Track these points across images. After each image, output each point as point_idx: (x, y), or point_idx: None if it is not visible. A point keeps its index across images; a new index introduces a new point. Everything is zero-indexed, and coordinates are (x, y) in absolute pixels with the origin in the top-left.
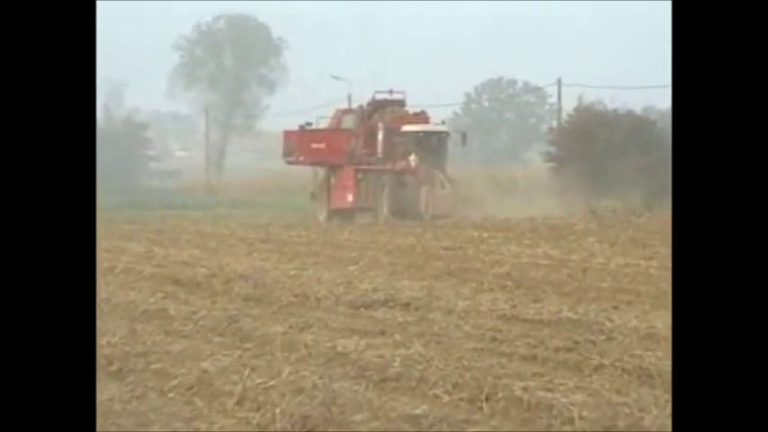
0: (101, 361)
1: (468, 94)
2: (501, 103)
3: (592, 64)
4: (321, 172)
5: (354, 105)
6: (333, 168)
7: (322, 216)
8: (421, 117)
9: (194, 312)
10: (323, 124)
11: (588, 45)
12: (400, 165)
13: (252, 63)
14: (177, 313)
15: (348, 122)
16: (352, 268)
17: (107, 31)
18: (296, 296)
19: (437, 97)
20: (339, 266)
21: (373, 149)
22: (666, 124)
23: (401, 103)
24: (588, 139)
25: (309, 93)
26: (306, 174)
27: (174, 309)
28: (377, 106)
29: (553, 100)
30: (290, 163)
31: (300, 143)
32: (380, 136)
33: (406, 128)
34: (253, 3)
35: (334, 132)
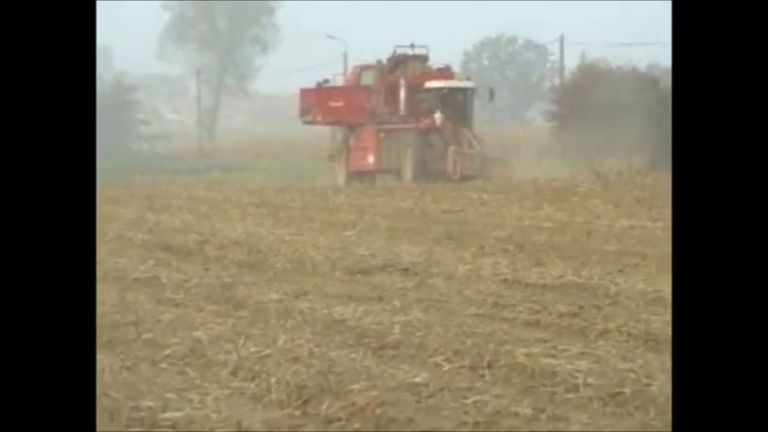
0: None
1: (467, 53)
2: (501, 61)
3: (595, 20)
4: (339, 132)
5: (351, 64)
6: (352, 128)
7: (341, 179)
8: (445, 72)
9: (187, 280)
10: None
11: (589, 2)
12: (424, 123)
13: (244, 22)
14: (169, 281)
15: (368, 79)
16: (348, 233)
17: None
18: (291, 262)
19: (434, 56)
20: (335, 231)
21: (395, 107)
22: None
23: (424, 58)
24: (591, 98)
25: (303, 52)
26: (302, 136)
27: (165, 276)
28: (398, 61)
29: (555, 58)
30: (307, 123)
31: (318, 101)
32: (403, 93)
33: (430, 84)
34: None
35: (353, 90)
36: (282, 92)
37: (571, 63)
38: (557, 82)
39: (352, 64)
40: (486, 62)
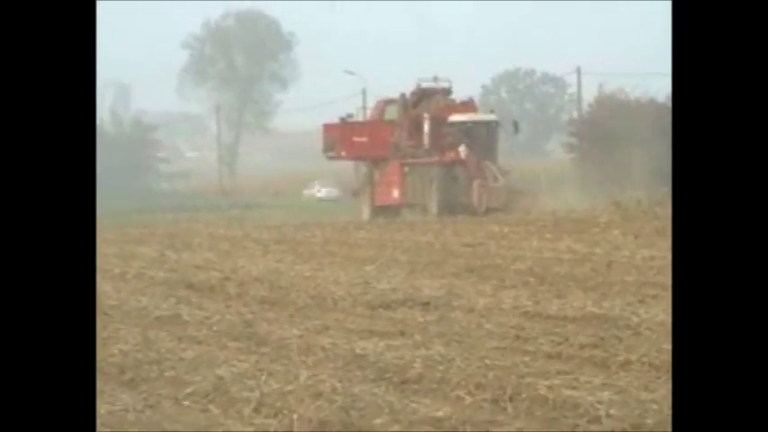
0: (113, 370)
1: (485, 86)
2: (519, 93)
3: (611, 52)
4: (363, 167)
5: (370, 99)
6: (376, 162)
7: (366, 214)
8: (469, 106)
9: (208, 317)
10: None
11: (608, 33)
12: (449, 157)
13: (262, 59)
14: (191, 318)
15: (391, 113)
16: (369, 268)
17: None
18: (312, 298)
19: (454, 90)
20: (356, 266)
21: (419, 141)
22: None
23: (447, 92)
24: (610, 129)
25: (322, 88)
26: (320, 172)
27: (187, 314)
28: (421, 95)
29: (573, 90)
30: (332, 158)
31: (342, 137)
32: (426, 127)
33: (454, 117)
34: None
35: (376, 124)
36: (302, 128)
37: (589, 95)
38: (575, 114)
39: (371, 99)
40: (504, 95)
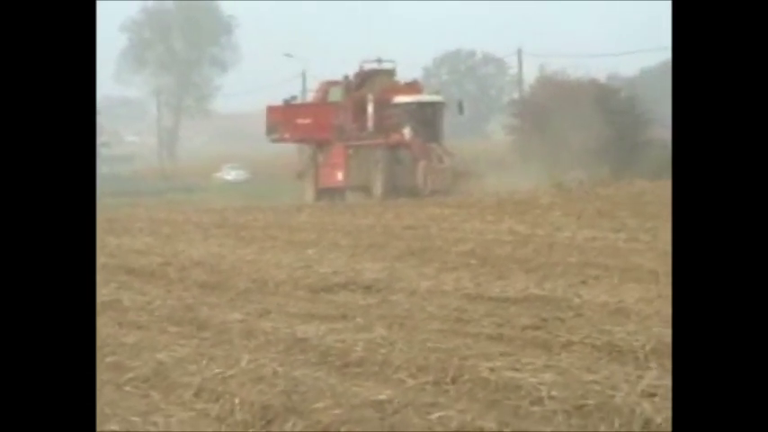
0: None
1: (426, 68)
2: (460, 75)
3: (552, 32)
4: (307, 149)
5: (309, 82)
6: (320, 145)
7: (309, 196)
8: (414, 87)
9: (149, 302)
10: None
11: (548, 14)
12: (394, 139)
13: (202, 43)
14: (132, 303)
15: (335, 95)
16: (310, 251)
17: None
18: (254, 282)
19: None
20: (297, 250)
21: (363, 123)
22: (631, 92)
23: (391, 73)
24: (551, 110)
25: (262, 72)
26: (261, 156)
27: (128, 299)
28: (365, 77)
29: (514, 71)
30: (275, 140)
31: (285, 119)
32: (371, 109)
33: (399, 99)
34: None
35: (320, 106)
36: (242, 111)
37: (530, 76)
38: (516, 95)
39: (311, 81)
40: (445, 77)
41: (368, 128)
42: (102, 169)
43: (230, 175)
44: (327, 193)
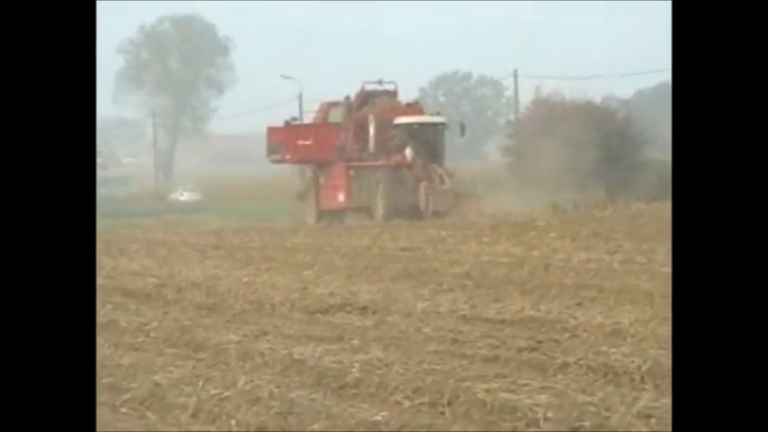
0: None
1: (423, 89)
2: (457, 97)
3: (548, 54)
4: (308, 170)
5: (309, 105)
6: (321, 166)
7: (311, 218)
8: (415, 108)
9: (145, 324)
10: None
11: (544, 36)
12: (395, 159)
13: (199, 64)
14: (128, 325)
15: (336, 116)
16: (307, 273)
17: None
18: (250, 303)
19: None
20: (294, 271)
21: (365, 144)
22: (627, 114)
23: (392, 94)
24: (547, 132)
25: (259, 94)
26: (258, 176)
27: (124, 320)
28: (366, 98)
29: (510, 93)
30: (276, 162)
31: (286, 140)
32: (372, 129)
33: (400, 120)
34: (198, 3)
35: (321, 127)
36: (238, 132)
37: (526, 98)
38: (512, 116)
39: (307, 103)
40: (441, 98)
41: (369, 148)
42: (100, 191)
43: (183, 196)
44: (328, 214)
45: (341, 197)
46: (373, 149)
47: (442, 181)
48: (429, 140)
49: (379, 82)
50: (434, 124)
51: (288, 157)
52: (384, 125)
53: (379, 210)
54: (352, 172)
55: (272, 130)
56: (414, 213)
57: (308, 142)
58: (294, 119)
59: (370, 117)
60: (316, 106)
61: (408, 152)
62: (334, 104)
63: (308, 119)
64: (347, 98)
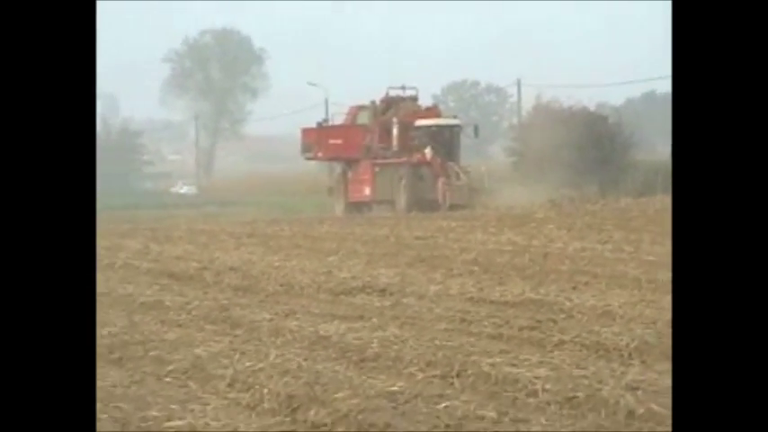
0: (102, 350)
1: (435, 96)
2: (465, 102)
3: (548, 65)
4: (338, 167)
5: (333, 108)
6: (349, 163)
7: (339, 209)
8: (433, 111)
9: (188, 303)
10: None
11: (545, 48)
12: (416, 157)
13: (236, 72)
14: (172, 304)
15: (363, 118)
16: (331, 258)
17: (100, 45)
18: (281, 285)
19: None
20: (320, 257)
21: (389, 144)
22: (618, 119)
23: (414, 99)
24: (546, 135)
25: (289, 99)
26: (288, 173)
27: (169, 300)
28: (390, 102)
29: (513, 99)
30: (309, 159)
31: (318, 140)
32: (395, 130)
33: (420, 122)
34: (236, 17)
35: (350, 128)
36: (271, 134)
37: (527, 104)
38: (515, 121)
39: (331, 107)
40: (452, 104)
41: (393, 147)
42: (146, 185)
43: (183, 189)
44: (356, 206)
45: (367, 191)
46: (396, 148)
47: (457, 177)
48: (446, 141)
49: (402, 88)
50: (451, 126)
51: (320, 154)
52: (406, 127)
53: (402, 202)
54: (377, 168)
55: (306, 131)
56: (432, 206)
57: (338, 141)
58: (325, 121)
59: (394, 119)
60: (339, 110)
61: (428, 151)
62: (361, 108)
63: (337, 121)
64: (373, 102)
